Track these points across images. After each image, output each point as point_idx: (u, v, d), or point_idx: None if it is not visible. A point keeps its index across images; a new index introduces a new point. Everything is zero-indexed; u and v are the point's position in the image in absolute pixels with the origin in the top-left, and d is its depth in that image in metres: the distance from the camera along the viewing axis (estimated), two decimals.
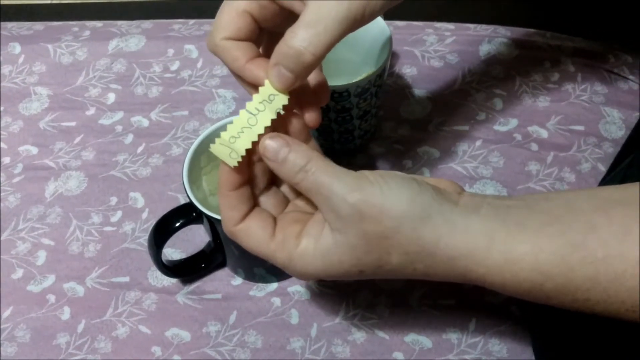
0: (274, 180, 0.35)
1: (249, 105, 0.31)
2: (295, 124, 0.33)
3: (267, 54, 0.32)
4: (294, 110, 0.33)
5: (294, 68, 0.30)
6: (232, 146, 0.30)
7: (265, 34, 0.34)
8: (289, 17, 0.32)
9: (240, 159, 0.31)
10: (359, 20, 0.30)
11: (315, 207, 0.31)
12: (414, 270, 0.30)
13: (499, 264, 0.28)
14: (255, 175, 0.33)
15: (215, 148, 0.31)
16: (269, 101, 0.31)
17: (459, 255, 0.29)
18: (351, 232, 0.29)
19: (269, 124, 0.31)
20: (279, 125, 0.32)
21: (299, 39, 0.29)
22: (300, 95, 0.32)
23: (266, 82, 0.31)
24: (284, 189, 0.35)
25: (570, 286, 0.28)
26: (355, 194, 0.29)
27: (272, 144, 0.30)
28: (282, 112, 0.31)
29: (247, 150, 0.31)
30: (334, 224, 0.29)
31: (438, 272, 0.30)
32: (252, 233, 0.32)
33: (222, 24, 0.31)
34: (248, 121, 0.30)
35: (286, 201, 0.35)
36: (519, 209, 0.30)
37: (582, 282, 0.27)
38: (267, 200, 0.34)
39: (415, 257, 0.29)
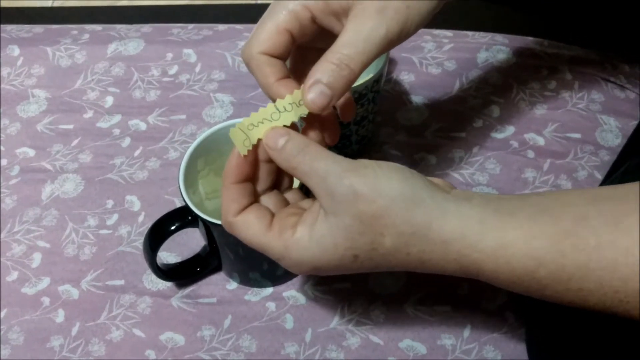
0: (277, 186, 0.36)
1: (279, 102, 0.32)
2: (312, 136, 0.34)
3: (293, 66, 0.34)
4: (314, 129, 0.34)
5: (334, 83, 0.31)
6: (248, 133, 0.32)
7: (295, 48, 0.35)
8: (323, 35, 0.33)
9: (250, 148, 0.32)
10: (394, 41, 0.32)
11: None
12: (407, 255, 0.30)
13: (492, 248, 0.29)
14: (260, 175, 0.34)
15: (234, 132, 0.32)
16: (297, 105, 0.32)
17: (452, 238, 0.29)
18: (345, 213, 0.29)
19: (288, 124, 0.32)
20: None
21: (340, 57, 0.31)
22: (324, 115, 0.34)
23: (302, 87, 0.32)
24: (289, 195, 0.36)
25: (563, 274, 0.28)
26: (350, 175, 0.29)
27: (272, 133, 0.32)
28: (304, 116, 0.32)
29: (255, 148, 0.32)
30: (329, 207, 0.30)
31: (432, 257, 0.30)
32: (249, 224, 0.32)
33: (262, 37, 0.33)
34: (272, 115, 0.32)
35: (286, 203, 0.35)
36: (510, 200, 0.30)
37: (574, 270, 0.28)
38: (268, 200, 0.35)
39: (408, 239, 0.29)
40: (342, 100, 0.35)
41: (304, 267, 0.31)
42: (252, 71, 0.34)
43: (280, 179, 0.35)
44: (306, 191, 0.38)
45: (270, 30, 0.32)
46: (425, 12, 0.32)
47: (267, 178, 0.34)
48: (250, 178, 0.33)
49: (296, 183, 0.38)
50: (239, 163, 0.32)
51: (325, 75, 0.31)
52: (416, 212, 0.29)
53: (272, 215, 0.33)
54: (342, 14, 0.32)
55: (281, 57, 0.33)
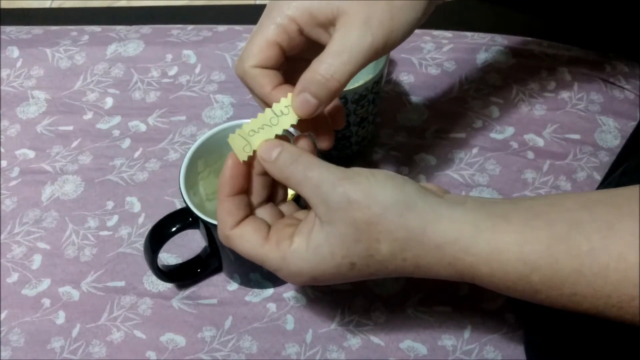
0: (272, 199, 0.36)
1: (276, 106, 0.33)
2: (304, 145, 0.34)
3: (286, 78, 0.34)
4: (309, 133, 0.35)
5: (320, 94, 0.32)
6: (248, 139, 0.32)
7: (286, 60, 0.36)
8: (312, 47, 0.34)
9: (251, 154, 0.33)
10: (380, 51, 0.32)
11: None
12: (403, 261, 0.30)
13: (486, 252, 0.29)
14: (254, 188, 0.34)
15: (233, 138, 0.33)
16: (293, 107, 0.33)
17: (446, 242, 0.29)
18: (340, 221, 0.30)
19: (287, 127, 0.33)
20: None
21: (326, 67, 0.31)
22: (316, 120, 0.34)
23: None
24: (283, 207, 0.36)
25: (556, 279, 0.28)
26: (344, 182, 0.30)
27: (266, 146, 0.32)
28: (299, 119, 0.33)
29: (251, 159, 0.33)
30: (324, 216, 0.30)
31: (428, 262, 0.30)
32: (246, 236, 0.33)
33: (252, 52, 0.33)
34: (270, 120, 0.33)
35: (281, 215, 0.36)
36: (503, 204, 0.31)
37: (567, 275, 0.28)
38: (264, 212, 0.35)
39: (403, 245, 0.30)
40: (330, 107, 0.36)
41: (303, 277, 0.31)
42: (247, 84, 0.34)
43: (274, 192, 0.36)
44: (302, 203, 0.38)
45: (260, 45, 0.33)
46: (410, 23, 0.33)
47: (262, 191, 0.34)
48: (245, 190, 0.34)
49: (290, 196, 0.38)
50: (233, 175, 0.33)
51: (311, 85, 0.32)
52: (410, 218, 0.29)
53: (269, 227, 0.33)
54: (328, 25, 0.32)
55: (274, 68, 0.34)
